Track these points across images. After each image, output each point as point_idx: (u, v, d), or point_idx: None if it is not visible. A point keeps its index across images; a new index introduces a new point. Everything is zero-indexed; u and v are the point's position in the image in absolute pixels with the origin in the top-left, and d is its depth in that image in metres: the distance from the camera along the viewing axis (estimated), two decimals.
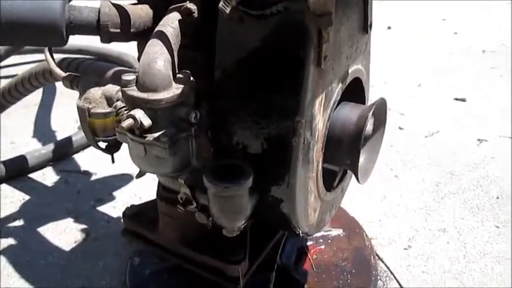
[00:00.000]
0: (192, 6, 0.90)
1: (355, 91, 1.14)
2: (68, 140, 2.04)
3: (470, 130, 2.17)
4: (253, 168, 0.90)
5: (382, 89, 2.47)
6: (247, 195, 0.88)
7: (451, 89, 2.54)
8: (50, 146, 1.99)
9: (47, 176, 1.92)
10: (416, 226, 1.62)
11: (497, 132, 2.14)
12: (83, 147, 2.06)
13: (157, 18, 0.95)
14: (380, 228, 1.62)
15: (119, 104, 0.90)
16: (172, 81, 0.86)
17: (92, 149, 1.94)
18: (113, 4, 0.93)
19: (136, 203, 1.33)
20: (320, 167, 1.02)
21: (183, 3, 0.91)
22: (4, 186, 1.86)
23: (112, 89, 0.98)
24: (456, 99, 2.45)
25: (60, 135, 2.20)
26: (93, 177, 1.91)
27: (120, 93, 0.94)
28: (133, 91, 0.85)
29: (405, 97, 2.47)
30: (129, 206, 1.24)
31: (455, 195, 1.77)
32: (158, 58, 0.85)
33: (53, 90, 2.54)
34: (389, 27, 3.38)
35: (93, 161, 1.96)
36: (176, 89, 0.85)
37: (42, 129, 2.30)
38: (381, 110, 1.09)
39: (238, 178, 0.85)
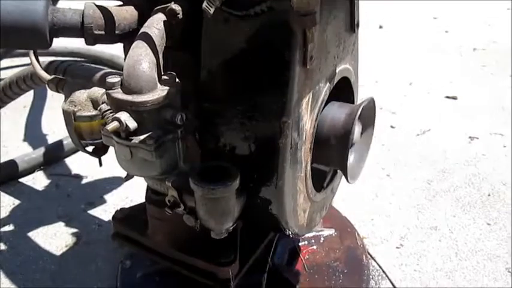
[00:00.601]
0: (176, 7, 0.89)
1: (344, 91, 1.14)
2: (59, 143, 2.02)
3: (462, 128, 2.17)
4: (241, 169, 0.89)
5: (374, 88, 2.47)
6: (234, 197, 0.87)
7: (442, 87, 2.54)
8: (41, 150, 1.98)
9: (37, 180, 1.91)
10: (408, 225, 1.62)
11: (488, 129, 2.15)
12: (74, 150, 2.04)
13: (142, 19, 0.94)
14: (372, 227, 1.61)
15: (104, 106, 0.89)
16: (158, 83, 0.85)
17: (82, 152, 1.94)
18: (97, 6, 0.92)
19: (127, 206, 1.32)
20: (309, 167, 1.02)
21: (168, 4, 0.90)
22: None
23: (97, 91, 0.97)
24: (447, 97, 2.45)
25: (51, 139, 2.19)
26: (84, 181, 1.89)
27: (105, 95, 0.93)
28: (118, 93, 0.84)
29: (396, 96, 2.47)
30: (118, 209, 1.23)
31: (446, 193, 1.77)
32: (143, 60, 0.84)
33: (43, 93, 2.53)
34: (380, 26, 3.39)
35: (84, 165, 1.95)
36: (161, 91, 0.84)
37: (33, 132, 2.28)
38: (369, 109, 1.09)
39: (225, 180, 0.85)
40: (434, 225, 1.62)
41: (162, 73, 0.88)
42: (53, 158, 1.98)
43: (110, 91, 0.84)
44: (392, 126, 2.19)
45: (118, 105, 0.84)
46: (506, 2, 3.81)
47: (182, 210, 0.92)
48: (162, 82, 0.86)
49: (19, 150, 2.09)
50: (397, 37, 3.25)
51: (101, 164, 1.09)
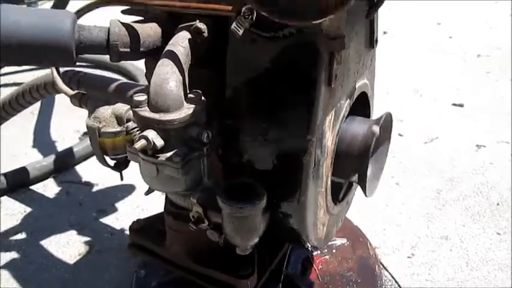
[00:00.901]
0: (202, 25, 0.90)
1: (361, 104, 1.16)
2: (69, 151, 2.03)
3: (469, 136, 2.19)
4: (264, 185, 0.90)
5: (380, 96, 2.47)
6: (260, 214, 0.88)
7: (449, 95, 2.56)
8: (51, 158, 1.98)
9: (48, 187, 1.91)
10: (419, 234, 1.64)
11: (494, 137, 2.17)
12: (85, 158, 2.04)
13: (166, 36, 0.95)
14: (384, 236, 1.63)
15: (131, 124, 0.90)
16: (184, 101, 0.86)
17: (93, 159, 1.94)
18: (122, 23, 0.93)
19: (139, 214, 1.32)
20: (329, 182, 1.03)
21: (193, 22, 0.91)
22: (4, 198, 1.85)
23: (122, 108, 0.98)
24: (454, 104, 2.47)
25: (59, 145, 2.19)
26: (95, 188, 1.90)
27: (130, 112, 0.94)
28: (145, 112, 0.85)
29: (403, 103, 2.49)
30: (135, 220, 1.24)
31: (456, 202, 1.78)
32: (170, 78, 0.85)
33: (51, 99, 2.53)
34: (384, 32, 3.40)
35: (94, 172, 1.96)
36: (188, 109, 0.85)
37: (41, 139, 2.28)
38: (387, 124, 1.10)
39: (253, 198, 0.86)
40: (445, 234, 1.63)
41: (188, 91, 0.89)
42: (63, 165, 1.99)
43: (137, 109, 0.85)
44: (400, 134, 2.20)
45: (145, 123, 0.85)
46: (509, 7, 3.83)
47: (206, 225, 0.93)
48: (188, 100, 0.87)
49: (28, 157, 2.10)
50: (401, 43, 3.26)
51: (122, 178, 1.10)
